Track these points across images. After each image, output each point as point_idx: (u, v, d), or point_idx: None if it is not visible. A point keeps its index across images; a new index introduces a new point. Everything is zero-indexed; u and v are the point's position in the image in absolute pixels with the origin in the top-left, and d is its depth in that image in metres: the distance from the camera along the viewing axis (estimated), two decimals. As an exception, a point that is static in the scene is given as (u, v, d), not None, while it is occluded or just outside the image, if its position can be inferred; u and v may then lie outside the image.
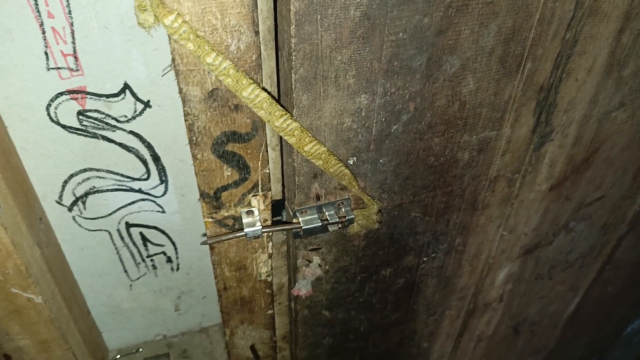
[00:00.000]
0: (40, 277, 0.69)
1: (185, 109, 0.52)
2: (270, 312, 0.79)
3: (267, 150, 0.59)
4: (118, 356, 1.02)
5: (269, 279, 0.74)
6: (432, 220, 0.74)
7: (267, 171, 0.60)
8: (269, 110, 0.52)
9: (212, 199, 0.60)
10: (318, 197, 0.63)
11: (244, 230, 0.63)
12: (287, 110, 0.53)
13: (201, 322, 1.09)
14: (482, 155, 0.69)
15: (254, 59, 0.50)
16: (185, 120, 0.53)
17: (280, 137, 0.61)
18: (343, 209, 0.65)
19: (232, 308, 0.75)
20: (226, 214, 0.63)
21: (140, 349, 1.04)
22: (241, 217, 0.63)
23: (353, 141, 0.58)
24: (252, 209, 0.63)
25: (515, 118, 0.67)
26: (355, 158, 0.60)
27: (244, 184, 0.60)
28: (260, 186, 0.62)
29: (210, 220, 0.62)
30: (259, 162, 0.59)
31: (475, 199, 0.75)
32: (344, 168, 0.59)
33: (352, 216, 0.65)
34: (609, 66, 0.68)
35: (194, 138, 0.54)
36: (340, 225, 0.66)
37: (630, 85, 0.72)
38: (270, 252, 0.70)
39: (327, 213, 0.64)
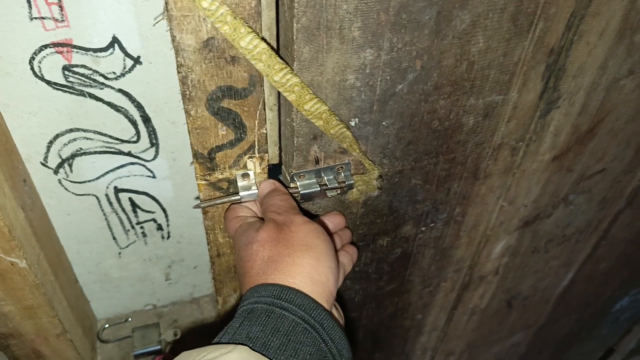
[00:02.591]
0: (25, 241, 0.66)
1: (178, 59, 0.48)
2: (264, 280, 0.77)
3: (264, 109, 0.55)
4: (106, 325, 1.00)
5: (264, 247, 0.71)
6: (432, 189, 0.72)
7: (264, 131, 0.57)
8: (267, 63, 0.49)
9: (206, 159, 0.57)
10: (317, 161, 0.60)
11: (239, 193, 0.60)
12: (287, 63, 0.50)
13: (192, 292, 1.07)
14: (487, 121, 0.66)
15: (252, 5, 0.46)
16: (178, 72, 0.49)
17: (279, 96, 0.58)
18: (342, 174, 0.62)
19: (225, 276, 0.73)
20: (220, 176, 0.60)
21: (129, 319, 1.02)
22: (236, 180, 0.61)
23: (356, 100, 0.55)
24: (247, 171, 0.60)
25: (524, 82, 0.64)
26: (357, 119, 0.57)
27: (240, 144, 0.57)
28: (256, 147, 0.59)
29: (203, 182, 0.60)
30: (256, 121, 0.56)
31: (478, 168, 0.73)
32: (345, 129, 0.56)
33: (352, 181, 0.62)
34: (621, 30, 0.65)
35: (187, 92, 0.51)
36: (339, 191, 0.64)
37: (641, 52, 0.70)
38: (266, 218, 0.67)
39: (325, 178, 0.62)
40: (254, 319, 0.46)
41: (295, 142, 0.57)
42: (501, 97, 0.64)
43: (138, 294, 1.02)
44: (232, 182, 0.61)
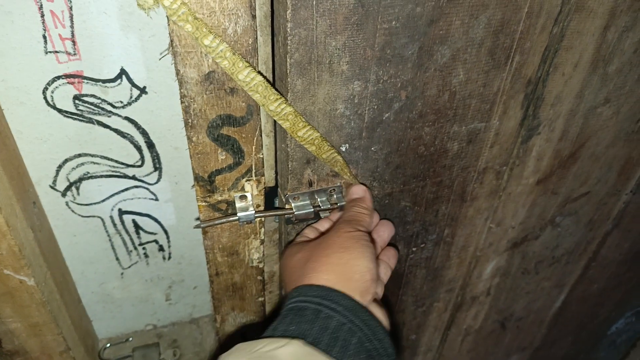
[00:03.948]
0: (33, 260, 0.69)
1: (181, 90, 0.53)
2: (261, 299, 0.80)
3: (261, 135, 0.60)
4: (108, 345, 1.02)
5: (261, 266, 0.75)
6: (421, 210, 0.75)
7: (261, 156, 0.62)
8: (264, 94, 0.53)
9: (206, 182, 0.61)
10: (310, 184, 0.64)
11: (237, 214, 0.64)
12: (281, 94, 0.54)
13: (192, 312, 1.10)
14: (471, 147, 0.70)
15: (250, 42, 0.51)
16: (182, 103, 0.54)
17: (275, 123, 0.63)
18: (335, 196, 0.66)
19: (223, 294, 0.76)
20: (220, 198, 0.64)
21: (130, 339, 1.05)
22: (234, 202, 0.64)
23: (346, 128, 0.59)
24: (245, 193, 0.64)
25: (504, 110, 0.68)
26: (347, 145, 0.61)
27: (238, 168, 0.62)
28: (253, 171, 0.63)
29: (203, 204, 0.63)
30: (253, 147, 0.60)
31: (464, 191, 0.77)
32: (336, 154, 0.60)
33: (344, 203, 0.66)
34: (594, 62, 0.70)
35: (189, 120, 0.55)
36: (331, 212, 0.67)
37: (615, 82, 0.74)
38: (262, 238, 0.71)
39: (319, 199, 0.66)
40: (304, 317, 0.50)
41: (290, 166, 0.61)
42: (483, 124, 0.69)
43: (139, 314, 1.04)
44: (231, 203, 0.65)
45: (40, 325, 0.74)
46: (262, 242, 0.71)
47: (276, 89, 0.54)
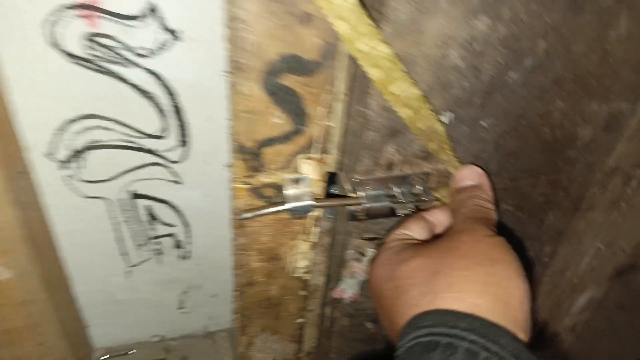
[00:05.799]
0: (13, 246, 0.53)
1: (231, 10, 0.36)
2: (300, 320, 0.62)
3: (332, 92, 0.42)
4: (104, 357, 0.85)
5: (307, 277, 0.57)
6: (524, 218, 0.57)
7: (330, 124, 0.44)
8: (352, 21, 0.36)
9: (252, 155, 0.44)
10: (390, 166, 0.46)
11: (285, 204, 0.46)
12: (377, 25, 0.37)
13: (207, 325, 0.92)
14: (606, 135, 0.52)
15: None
16: (229, 29, 0.37)
17: (352, 81, 0.45)
18: (420, 186, 0.48)
19: (254, 311, 0.58)
20: (266, 180, 0.46)
21: (132, 351, 0.87)
22: (283, 187, 0.47)
23: (454, 87, 0.42)
24: (301, 176, 0.47)
25: (658, 88, 0.50)
26: (450, 113, 0.44)
27: (296, 139, 0.44)
28: (317, 145, 0.45)
29: (244, 186, 0.46)
30: (321, 109, 0.43)
31: (582, 196, 0.58)
32: (437, 123, 0.43)
33: (433, 197, 0.48)
34: None
35: (238, 60, 0.38)
36: (412, 209, 0.49)
37: None
38: (315, 240, 0.53)
39: (396, 190, 0.48)
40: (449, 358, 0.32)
41: (366, 138, 0.43)
42: (629, 106, 0.50)
43: (145, 322, 0.87)
44: (279, 189, 0.48)
45: (18, 331, 0.57)
46: (314, 245, 0.54)
47: (370, 16, 0.36)
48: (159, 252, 0.76)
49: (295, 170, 0.47)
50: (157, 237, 0.74)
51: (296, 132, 0.44)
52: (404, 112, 0.41)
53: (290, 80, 0.40)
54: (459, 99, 0.43)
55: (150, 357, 0.87)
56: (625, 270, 0.74)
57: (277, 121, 0.42)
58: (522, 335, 0.34)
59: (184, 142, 0.64)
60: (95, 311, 0.83)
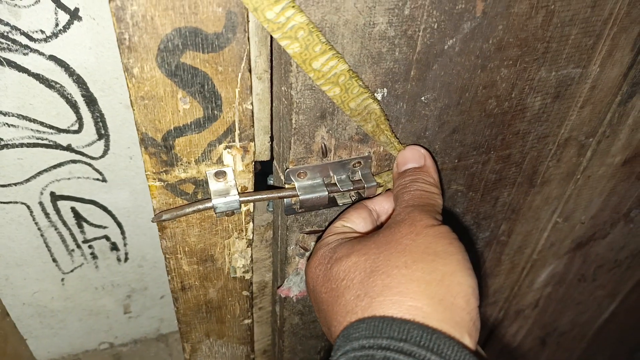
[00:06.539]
0: None
1: (108, -24, 0.30)
2: (247, 321, 0.57)
3: (249, 72, 0.37)
4: (46, 372, 0.79)
5: (247, 277, 0.52)
6: (476, 198, 0.53)
7: (249, 107, 0.39)
8: (255, -15, 0.30)
9: (160, 148, 0.38)
10: (325, 152, 0.41)
11: (212, 200, 0.41)
12: (285, -11, 0.31)
13: (159, 327, 0.87)
14: (557, 105, 0.48)
15: None
16: (113, 2, 0.31)
17: (272, 57, 0.40)
18: (359, 172, 0.44)
19: (193, 316, 0.53)
20: (183, 175, 0.41)
21: (78, 362, 0.82)
22: (207, 181, 0.42)
23: (386, 59, 0.37)
24: (223, 168, 0.41)
25: (609, 51, 0.46)
26: (385, 90, 0.39)
27: (212, 126, 0.39)
28: (237, 132, 0.40)
29: (157, 183, 0.40)
30: (237, 89, 0.37)
31: (536, 170, 0.55)
32: (371, 102, 0.38)
33: (374, 183, 0.44)
34: None
35: (126, 37, 0.32)
36: (355, 197, 0.45)
37: None
38: (251, 237, 0.48)
39: (335, 177, 0.43)
40: None
41: (293, 122, 0.38)
42: (579, 71, 0.46)
43: (90, 331, 0.81)
44: (201, 184, 0.42)
45: None
46: (250, 243, 0.49)
47: (276, -21, 0.31)
48: (94, 256, 0.70)
49: (217, 162, 0.41)
50: (89, 240, 0.68)
51: (210, 119, 0.38)
52: (332, 91, 0.36)
53: (193, 58, 0.34)
54: (393, 73, 0.38)
55: (97, 366, 0.81)
56: (584, 242, 0.72)
57: (185, 107, 0.37)
58: (468, 338, 0.30)
59: (102, 135, 0.57)
60: (31, 323, 0.77)
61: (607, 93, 0.51)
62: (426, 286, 0.31)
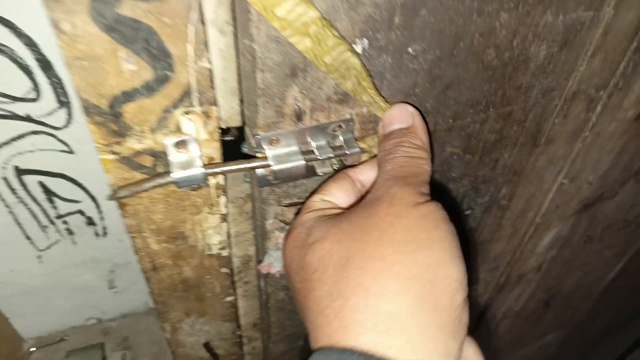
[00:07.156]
0: None
1: None
2: (229, 298, 0.54)
3: (203, 23, 0.31)
4: (33, 349, 0.77)
5: (225, 253, 0.48)
6: (474, 161, 0.48)
7: (207, 66, 0.33)
8: None
9: (107, 116, 0.33)
10: (299, 116, 0.36)
11: (171, 174, 0.36)
12: None
13: (148, 301, 0.84)
14: (564, 54, 0.43)
15: None
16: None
17: (234, 3, 0.34)
18: (341, 137, 0.39)
19: (169, 296, 0.50)
20: (138, 147, 0.36)
21: (66, 337, 0.79)
22: (167, 152, 0.37)
23: (365, 4, 0.31)
24: (184, 137, 0.37)
25: (626, -11, 0.40)
26: (366, 41, 0.33)
27: (165, 89, 0.33)
28: (195, 95, 0.35)
29: (109, 156, 0.36)
30: (189, 45, 0.32)
31: (540, 129, 0.49)
32: (349, 54, 0.32)
33: (357, 149, 0.39)
34: None
35: (46, -17, 0.27)
36: (336, 166, 0.40)
37: None
38: (224, 211, 0.44)
39: (313, 144, 0.38)
40: None
41: (259, 81, 0.33)
42: (590, 14, 0.40)
43: (75, 307, 0.79)
44: (161, 156, 0.37)
45: None
46: (225, 217, 0.44)
47: None
48: (70, 232, 0.66)
49: (176, 131, 0.36)
50: (62, 215, 0.64)
51: (162, 80, 0.33)
52: (302, 44, 0.31)
53: (132, 9, 0.29)
54: (374, 20, 0.32)
55: (86, 341, 0.79)
56: (591, 203, 0.68)
57: (130, 67, 0.31)
58: (452, 342, 0.26)
59: (63, 103, 0.52)
60: (14, 301, 0.74)
61: (622, 39, 0.45)
62: (406, 285, 0.27)
